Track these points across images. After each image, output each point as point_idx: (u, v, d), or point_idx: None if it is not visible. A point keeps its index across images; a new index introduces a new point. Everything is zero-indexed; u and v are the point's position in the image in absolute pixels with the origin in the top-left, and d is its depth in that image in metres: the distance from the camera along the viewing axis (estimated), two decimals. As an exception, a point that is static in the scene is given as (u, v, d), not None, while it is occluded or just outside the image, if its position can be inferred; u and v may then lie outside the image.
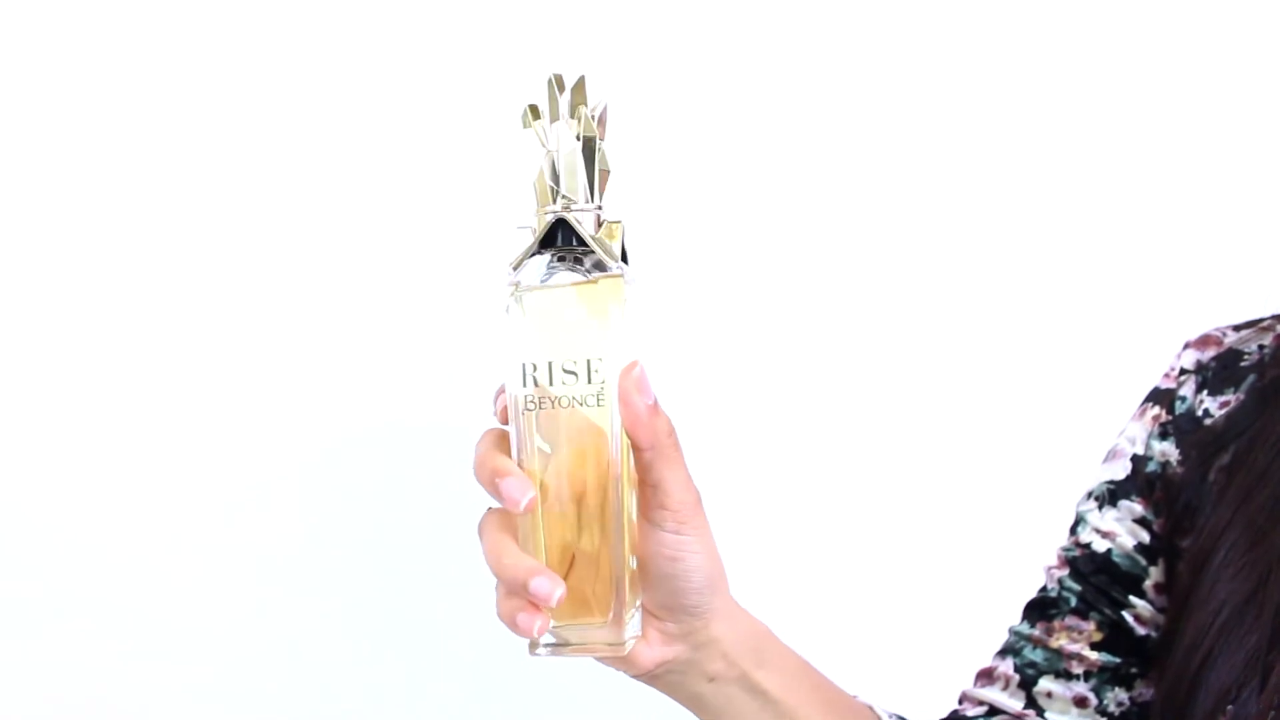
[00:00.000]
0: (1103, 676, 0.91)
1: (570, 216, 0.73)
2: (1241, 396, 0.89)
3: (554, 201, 0.74)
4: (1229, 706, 0.81)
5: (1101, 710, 0.90)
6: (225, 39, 1.25)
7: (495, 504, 0.75)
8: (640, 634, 0.76)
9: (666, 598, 0.76)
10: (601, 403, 0.73)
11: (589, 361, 0.73)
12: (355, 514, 1.27)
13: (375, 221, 1.27)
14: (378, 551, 1.26)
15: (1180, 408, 0.91)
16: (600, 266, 0.73)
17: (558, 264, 0.73)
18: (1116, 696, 0.90)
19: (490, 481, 0.72)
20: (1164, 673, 0.87)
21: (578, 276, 0.73)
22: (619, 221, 0.75)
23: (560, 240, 0.73)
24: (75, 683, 1.25)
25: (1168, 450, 0.91)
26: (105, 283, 1.25)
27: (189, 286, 1.26)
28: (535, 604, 0.71)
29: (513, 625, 0.72)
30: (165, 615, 1.26)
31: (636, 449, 0.73)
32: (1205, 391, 0.91)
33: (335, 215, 1.27)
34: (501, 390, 0.75)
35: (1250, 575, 0.83)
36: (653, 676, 0.79)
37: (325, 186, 1.27)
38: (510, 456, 0.74)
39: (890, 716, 0.90)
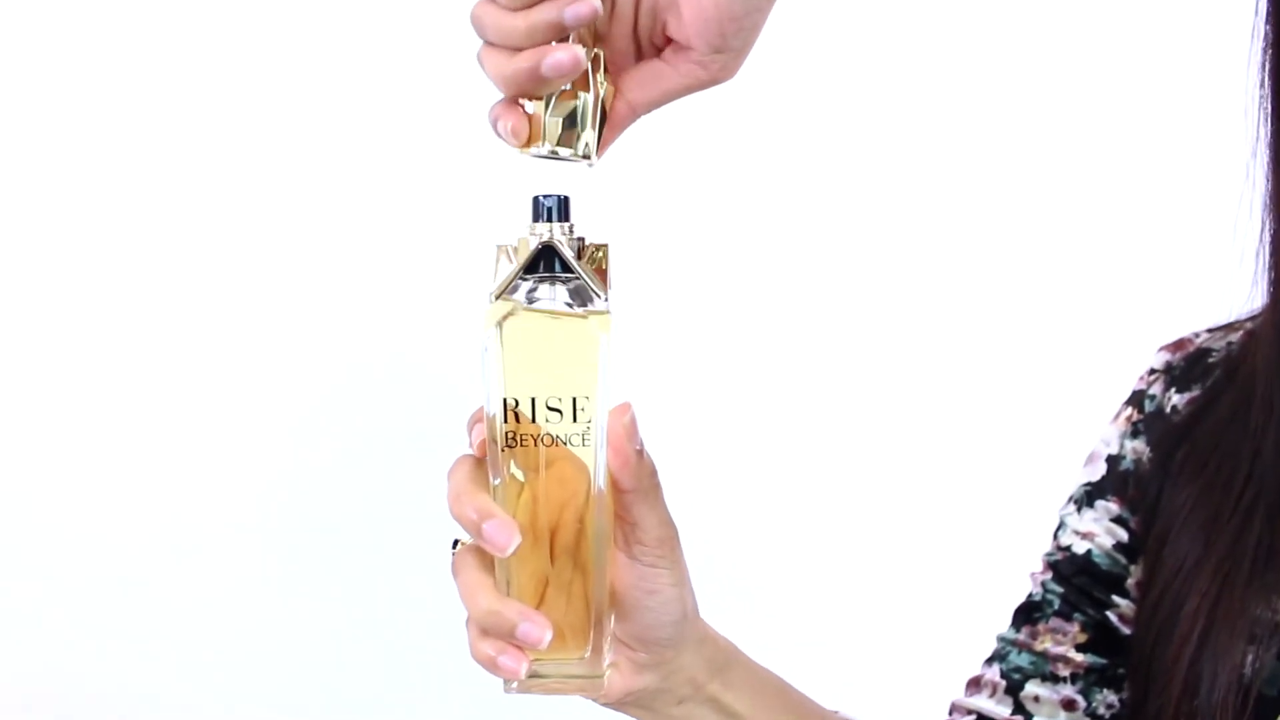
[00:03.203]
0: (1090, 678, 0.90)
1: (557, 241, 0.70)
2: (1204, 390, 0.90)
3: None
4: (1178, 673, 0.82)
5: (1091, 713, 0.90)
6: (226, 39, 1.24)
7: (464, 536, 0.74)
8: (613, 664, 0.76)
9: (640, 630, 0.76)
10: (586, 441, 0.71)
11: (575, 399, 0.70)
12: (356, 513, 1.27)
13: (375, 224, 1.27)
14: (379, 551, 1.26)
15: (1149, 406, 0.92)
16: (587, 298, 0.70)
17: (543, 294, 0.70)
18: (1105, 698, 0.90)
19: (471, 520, 0.70)
20: (1130, 653, 0.88)
21: (566, 309, 0.70)
22: (605, 244, 0.72)
23: (545, 268, 0.70)
24: (75, 683, 1.25)
25: (1139, 448, 0.91)
26: (105, 283, 1.25)
27: (190, 287, 1.26)
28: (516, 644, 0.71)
29: (492, 667, 0.72)
30: (165, 615, 1.25)
31: (618, 489, 0.72)
32: (1173, 389, 0.91)
33: (336, 218, 1.27)
34: (477, 418, 0.73)
35: (1195, 547, 0.84)
36: (621, 704, 0.79)
37: (322, 187, 1.27)
38: (488, 489, 0.72)
39: None
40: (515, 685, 0.73)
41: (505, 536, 0.69)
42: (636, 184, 1.26)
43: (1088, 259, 1.31)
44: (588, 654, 0.74)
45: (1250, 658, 0.79)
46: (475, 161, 1.25)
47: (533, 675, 0.73)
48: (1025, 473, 1.27)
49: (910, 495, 1.31)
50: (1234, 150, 1.19)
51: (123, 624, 1.26)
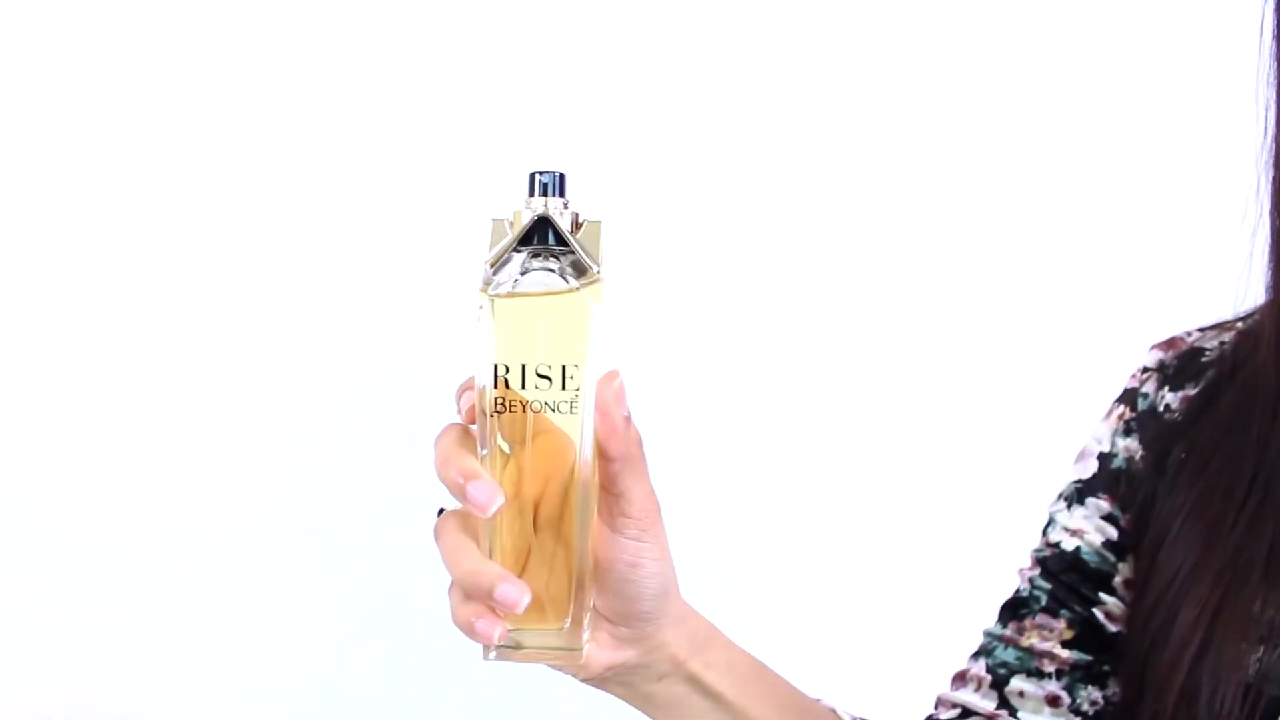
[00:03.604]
0: (1075, 675, 0.90)
1: (552, 214, 0.71)
2: (1199, 390, 0.90)
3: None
4: (1173, 681, 0.81)
5: (1075, 709, 0.90)
6: (225, 39, 1.26)
7: (451, 504, 0.74)
8: (592, 639, 0.76)
9: (622, 604, 0.76)
10: (575, 410, 0.71)
11: (564, 367, 0.71)
12: (357, 513, 1.27)
13: (375, 223, 1.28)
14: (379, 551, 1.26)
15: (1143, 404, 0.92)
16: (580, 269, 0.71)
17: (537, 264, 0.71)
18: (1090, 695, 0.90)
19: (456, 483, 0.71)
20: (1123, 657, 0.88)
21: (557, 279, 0.71)
22: (599, 221, 0.73)
23: (539, 239, 0.71)
24: (74, 682, 1.26)
25: (1131, 446, 0.91)
26: (106, 283, 1.25)
27: (190, 288, 1.26)
28: (495, 610, 0.71)
29: (470, 630, 0.72)
30: (165, 615, 1.26)
31: (605, 458, 0.73)
32: (1166, 387, 0.92)
33: (337, 219, 1.27)
34: (466, 387, 0.73)
35: (1193, 552, 0.84)
36: (601, 679, 0.79)
37: (321, 184, 1.27)
38: (474, 453, 0.72)
39: (851, 718, 0.90)
40: (494, 654, 0.74)
41: (487, 497, 0.69)
42: (634, 169, 1.27)
43: (1076, 258, 1.31)
44: (567, 625, 0.74)
45: (1256, 659, 0.78)
46: (476, 166, 1.26)
47: (512, 645, 0.73)
48: (1013, 470, 1.27)
49: (896, 490, 1.30)
50: (1222, 148, 1.20)
51: (122, 624, 1.26)
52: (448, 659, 1.25)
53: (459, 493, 0.71)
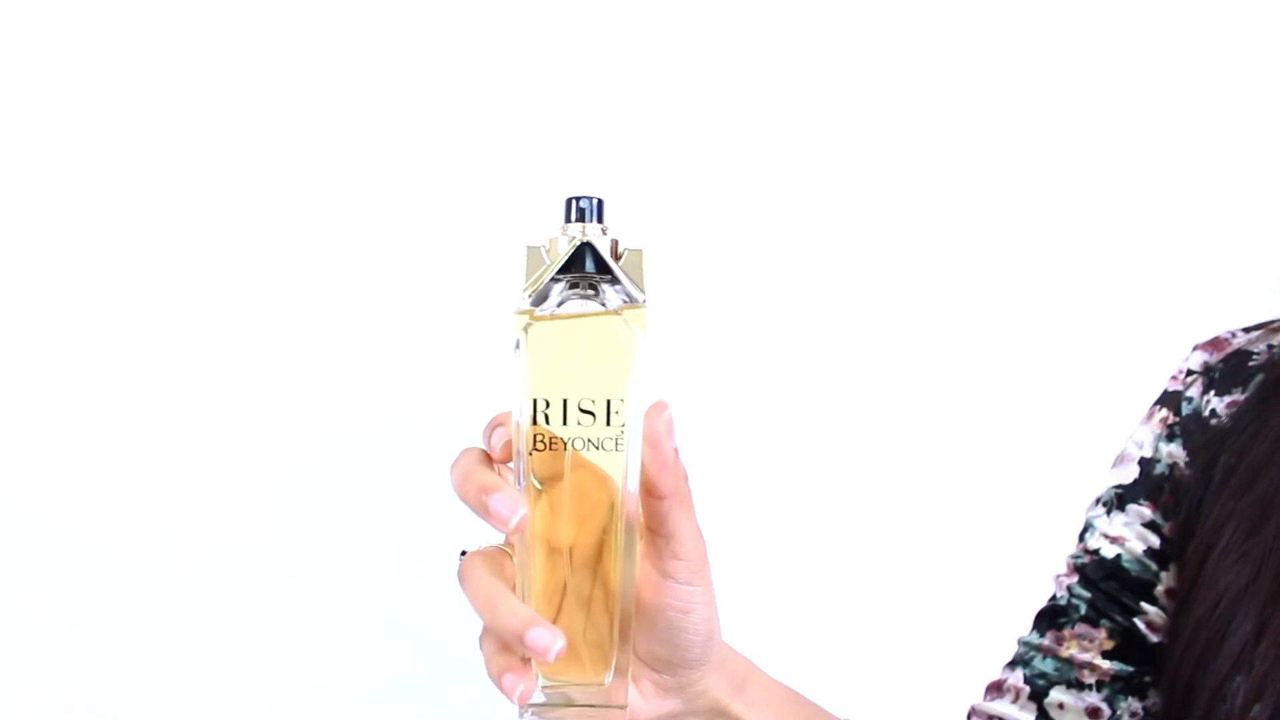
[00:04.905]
0: (1115, 686, 0.88)
1: (594, 241, 0.68)
2: (1248, 395, 0.88)
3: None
4: (1223, 701, 0.79)
5: (1115, 720, 0.88)
6: (226, 39, 1.23)
7: (471, 545, 0.71)
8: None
9: (669, 651, 0.73)
10: (620, 446, 0.68)
11: (609, 402, 0.68)
12: (357, 513, 1.25)
13: (379, 219, 1.25)
14: (379, 552, 1.25)
15: (1187, 409, 0.89)
16: (626, 299, 0.68)
17: (577, 293, 0.68)
18: (1130, 706, 0.88)
19: (477, 499, 0.67)
20: (1165, 669, 0.86)
21: (602, 309, 0.68)
22: (640, 249, 0.70)
23: (581, 267, 0.68)
24: (74, 683, 1.24)
25: (1175, 452, 0.89)
26: (105, 283, 1.23)
27: (191, 286, 1.23)
28: (524, 662, 0.68)
29: (500, 684, 0.69)
30: (165, 615, 1.24)
31: (655, 495, 0.69)
32: (1212, 392, 0.89)
33: (339, 215, 1.25)
34: (496, 424, 0.70)
35: (1245, 566, 0.81)
36: None
37: (328, 186, 1.24)
38: (495, 472, 0.69)
39: None
40: (529, 712, 0.70)
41: (509, 509, 0.66)
42: (660, 191, 1.24)
43: (1111, 257, 1.29)
44: (609, 679, 0.71)
45: None
46: (505, 178, 1.24)
47: (549, 702, 0.70)
48: (1043, 474, 1.26)
49: (927, 497, 1.29)
50: (1246, 149, 1.18)
51: (122, 624, 1.25)
52: (448, 659, 1.23)
53: (480, 508, 0.67)
